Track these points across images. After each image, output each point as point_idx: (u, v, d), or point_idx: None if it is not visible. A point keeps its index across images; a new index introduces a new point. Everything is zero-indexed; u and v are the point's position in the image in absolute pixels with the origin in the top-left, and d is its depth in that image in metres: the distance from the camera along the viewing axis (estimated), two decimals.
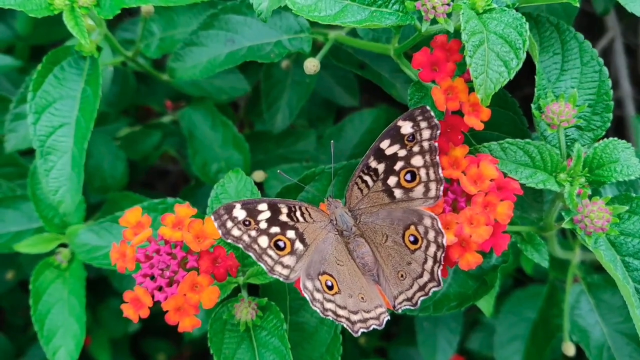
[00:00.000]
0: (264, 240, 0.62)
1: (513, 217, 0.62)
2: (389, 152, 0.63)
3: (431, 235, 0.62)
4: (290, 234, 0.63)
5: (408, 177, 0.63)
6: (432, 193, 0.62)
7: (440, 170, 0.62)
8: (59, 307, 0.85)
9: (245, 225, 0.62)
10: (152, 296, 0.63)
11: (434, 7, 0.60)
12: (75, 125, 0.77)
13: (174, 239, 0.64)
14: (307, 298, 0.62)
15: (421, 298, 0.63)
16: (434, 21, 0.61)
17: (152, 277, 0.64)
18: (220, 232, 0.61)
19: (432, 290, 0.63)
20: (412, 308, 0.64)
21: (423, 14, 0.61)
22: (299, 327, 0.74)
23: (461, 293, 0.76)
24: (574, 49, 0.68)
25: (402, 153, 0.63)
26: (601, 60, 0.68)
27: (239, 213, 0.62)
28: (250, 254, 0.62)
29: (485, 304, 0.77)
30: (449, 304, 0.76)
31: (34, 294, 0.85)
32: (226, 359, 0.68)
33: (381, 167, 0.64)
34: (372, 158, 0.64)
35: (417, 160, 0.62)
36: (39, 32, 1.06)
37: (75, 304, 0.85)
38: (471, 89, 0.63)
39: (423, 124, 0.62)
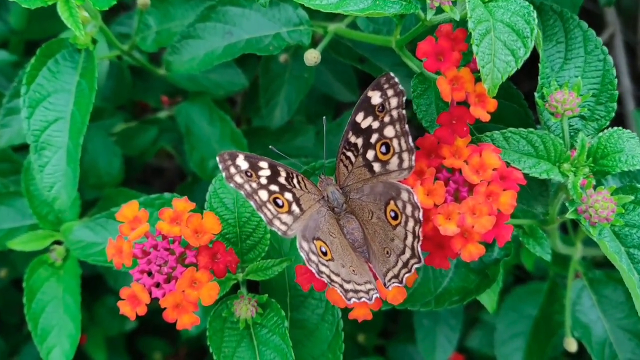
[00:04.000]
0: (264, 194, 0.62)
1: (515, 211, 0.61)
2: (364, 125, 0.62)
3: (409, 209, 0.61)
4: (288, 195, 0.63)
5: (383, 149, 0.62)
6: (406, 164, 0.62)
7: (410, 139, 0.61)
8: (54, 306, 0.83)
9: (247, 175, 0.61)
10: (150, 293, 0.62)
11: None
12: (70, 120, 0.76)
13: (172, 234, 0.63)
14: (303, 257, 0.61)
15: (405, 275, 0.62)
16: (439, 10, 0.60)
17: (150, 273, 0.63)
18: (223, 174, 0.61)
19: (414, 267, 0.61)
20: (399, 285, 0.62)
21: (428, 2, 0.60)
22: (300, 324, 0.73)
23: (463, 287, 0.75)
24: (577, 37, 0.67)
25: (376, 125, 0.62)
26: (605, 49, 0.67)
27: (242, 163, 0.61)
28: (252, 202, 0.62)
29: (488, 300, 0.76)
30: (450, 298, 0.75)
31: (28, 292, 0.83)
32: (226, 358, 0.67)
33: (360, 142, 0.63)
34: (350, 133, 0.63)
35: (389, 131, 0.61)
36: (33, 27, 1.05)
37: (70, 302, 0.83)
38: (477, 79, 0.61)
39: (390, 92, 0.61)
